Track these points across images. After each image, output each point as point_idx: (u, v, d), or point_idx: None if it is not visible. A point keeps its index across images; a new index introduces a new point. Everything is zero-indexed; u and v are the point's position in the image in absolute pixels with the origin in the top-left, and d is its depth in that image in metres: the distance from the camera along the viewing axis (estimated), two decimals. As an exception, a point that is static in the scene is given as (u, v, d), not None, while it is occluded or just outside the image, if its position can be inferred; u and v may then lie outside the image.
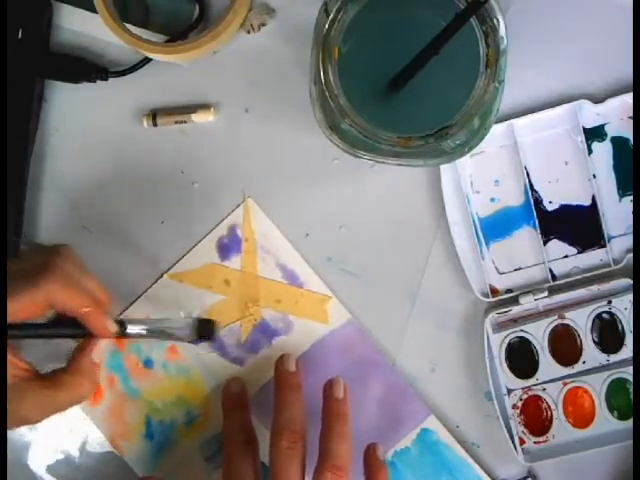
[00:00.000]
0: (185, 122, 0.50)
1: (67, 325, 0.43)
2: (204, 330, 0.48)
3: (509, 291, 0.51)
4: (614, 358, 0.50)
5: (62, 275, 0.40)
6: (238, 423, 0.49)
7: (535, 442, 0.51)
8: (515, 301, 0.50)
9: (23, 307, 0.40)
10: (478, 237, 0.50)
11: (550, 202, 0.50)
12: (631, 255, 0.50)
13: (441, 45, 0.38)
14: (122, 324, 0.45)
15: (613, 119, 0.49)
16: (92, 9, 0.48)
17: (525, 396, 0.51)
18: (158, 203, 0.52)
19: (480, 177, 0.50)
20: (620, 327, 0.50)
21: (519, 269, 0.51)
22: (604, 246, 0.50)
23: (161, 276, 0.52)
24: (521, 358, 0.50)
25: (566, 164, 0.50)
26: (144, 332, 0.46)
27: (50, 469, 0.53)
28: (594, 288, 0.50)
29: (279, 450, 0.46)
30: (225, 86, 0.51)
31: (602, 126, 0.49)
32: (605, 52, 0.49)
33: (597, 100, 0.49)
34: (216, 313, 0.52)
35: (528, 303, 0.50)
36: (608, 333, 0.50)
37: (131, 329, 0.45)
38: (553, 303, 0.51)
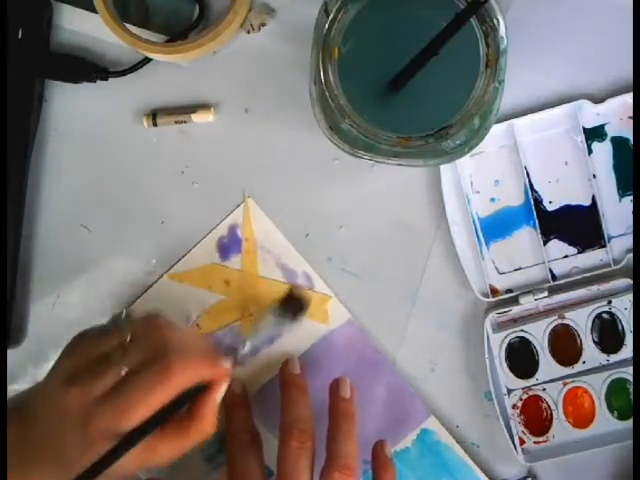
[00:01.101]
0: (185, 122, 0.50)
1: (190, 390, 0.42)
2: (295, 308, 0.48)
3: (509, 291, 0.51)
4: (614, 358, 0.50)
5: (180, 368, 0.40)
6: (241, 422, 0.49)
7: (535, 442, 0.51)
8: (515, 301, 0.50)
9: (159, 404, 0.40)
10: (478, 237, 0.50)
11: (550, 202, 0.50)
12: (631, 255, 0.50)
13: (441, 45, 0.38)
14: (233, 352, 0.45)
15: (613, 119, 0.49)
16: (92, 9, 0.48)
17: (525, 396, 0.51)
18: (158, 203, 0.52)
19: (480, 177, 0.50)
20: (620, 327, 0.50)
21: (519, 269, 0.51)
22: (604, 246, 0.50)
23: (161, 276, 0.52)
24: (521, 358, 0.50)
25: (566, 164, 0.50)
26: (249, 350, 0.46)
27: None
28: (594, 288, 0.50)
29: (288, 450, 0.46)
30: (225, 86, 0.51)
31: (602, 126, 0.49)
32: (605, 52, 0.49)
33: (597, 100, 0.49)
34: (216, 313, 0.52)
35: (528, 303, 0.50)
36: (608, 333, 0.50)
37: (242, 352, 0.46)
38: (553, 303, 0.51)
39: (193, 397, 0.42)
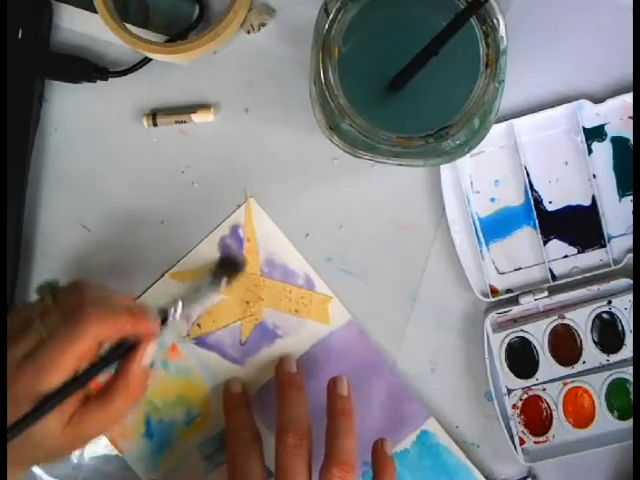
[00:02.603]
0: (185, 122, 0.50)
1: (115, 348, 0.42)
2: (230, 270, 0.49)
3: (509, 291, 0.51)
4: (614, 358, 0.50)
5: (96, 316, 0.40)
6: (242, 421, 0.50)
7: (535, 442, 0.51)
8: (515, 301, 0.50)
9: (77, 359, 0.40)
10: (478, 237, 0.50)
11: (550, 202, 0.50)
12: (631, 255, 0.50)
13: (441, 45, 0.37)
14: (164, 312, 0.44)
15: (613, 119, 0.49)
16: (92, 9, 0.48)
17: (525, 396, 0.51)
18: (158, 203, 0.52)
19: (480, 177, 0.50)
20: (620, 327, 0.50)
21: (519, 269, 0.51)
22: (604, 246, 0.50)
23: (162, 275, 0.52)
24: (521, 358, 0.50)
25: (566, 164, 0.50)
26: (181, 310, 0.45)
27: (50, 469, 0.53)
28: (594, 288, 0.50)
29: (285, 448, 0.46)
30: (225, 86, 0.51)
31: (602, 126, 0.49)
32: (605, 52, 0.49)
33: (597, 100, 0.49)
34: (217, 313, 0.52)
35: (528, 303, 0.50)
36: (608, 333, 0.50)
37: (172, 315, 0.45)
38: (553, 303, 0.51)
39: (119, 358, 0.42)
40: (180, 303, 0.45)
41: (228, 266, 0.50)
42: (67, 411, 0.40)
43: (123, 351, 0.42)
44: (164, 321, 0.44)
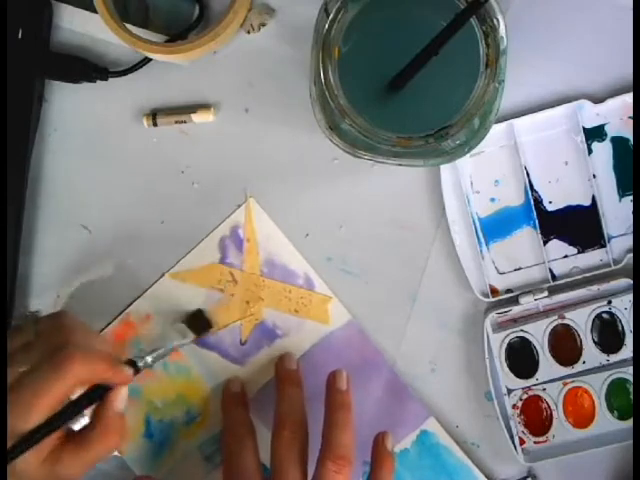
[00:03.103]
0: (185, 122, 0.50)
1: (88, 393, 0.41)
2: (199, 327, 0.50)
3: (509, 291, 0.51)
4: (614, 358, 0.50)
5: (80, 357, 0.40)
6: (238, 418, 0.50)
7: (535, 442, 0.51)
8: (515, 301, 0.50)
9: (58, 399, 0.39)
10: (478, 237, 0.50)
11: (550, 202, 0.50)
12: (631, 255, 0.50)
13: (441, 45, 0.37)
14: (133, 363, 0.44)
15: (613, 119, 0.49)
16: (92, 9, 0.48)
17: (525, 396, 0.51)
18: (158, 203, 0.52)
19: (480, 177, 0.50)
20: (620, 327, 0.50)
21: (519, 269, 0.51)
22: (604, 246, 0.50)
23: (162, 276, 0.52)
24: (521, 358, 0.50)
25: (566, 164, 0.50)
26: (151, 359, 0.45)
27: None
28: (594, 288, 0.50)
29: (281, 440, 0.46)
30: (225, 86, 0.51)
31: (602, 126, 0.49)
32: (605, 52, 0.49)
33: (597, 100, 0.49)
34: (217, 313, 0.52)
35: (528, 303, 0.50)
36: (608, 333, 0.50)
37: (141, 364, 0.45)
38: (553, 303, 0.51)
39: (93, 401, 0.41)
40: (149, 359, 0.45)
41: (199, 322, 0.50)
42: (45, 448, 0.39)
43: (97, 395, 0.41)
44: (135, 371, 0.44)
